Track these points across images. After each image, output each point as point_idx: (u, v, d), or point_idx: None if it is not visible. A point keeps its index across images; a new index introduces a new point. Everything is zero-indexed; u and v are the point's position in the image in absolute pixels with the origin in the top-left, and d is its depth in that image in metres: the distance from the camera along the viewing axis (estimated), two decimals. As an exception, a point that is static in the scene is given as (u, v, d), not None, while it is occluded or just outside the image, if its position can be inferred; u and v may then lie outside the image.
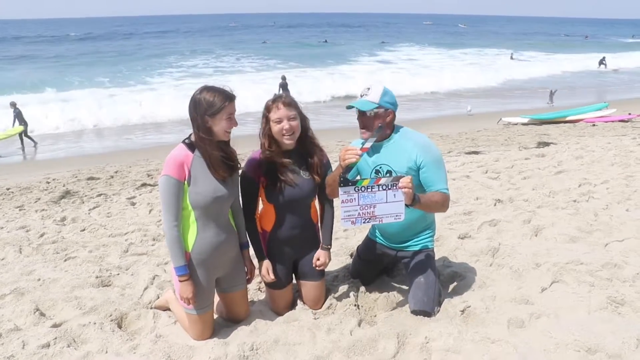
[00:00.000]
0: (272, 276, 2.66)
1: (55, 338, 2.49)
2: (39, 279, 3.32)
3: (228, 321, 2.71)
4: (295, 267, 2.80)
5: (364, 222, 2.41)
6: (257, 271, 2.77)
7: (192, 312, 2.44)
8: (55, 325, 2.68)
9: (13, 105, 13.10)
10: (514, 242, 3.62)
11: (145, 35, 63.32)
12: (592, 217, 4.09)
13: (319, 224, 2.77)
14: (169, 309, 2.81)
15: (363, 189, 2.36)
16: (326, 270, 2.86)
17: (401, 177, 2.33)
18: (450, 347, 2.31)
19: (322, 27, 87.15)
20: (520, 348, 2.27)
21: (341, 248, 3.63)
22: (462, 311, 2.60)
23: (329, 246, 2.75)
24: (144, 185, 7.12)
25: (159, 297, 2.96)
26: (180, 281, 2.36)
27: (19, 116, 12.95)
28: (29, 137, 12.94)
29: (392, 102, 2.52)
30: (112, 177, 8.06)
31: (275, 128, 2.49)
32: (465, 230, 3.92)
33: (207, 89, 2.29)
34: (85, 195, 6.64)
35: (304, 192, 2.60)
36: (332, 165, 2.74)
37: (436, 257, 3.03)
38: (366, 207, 2.37)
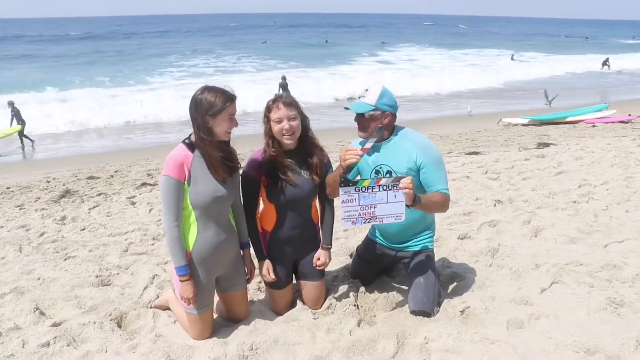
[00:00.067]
0: (272, 276, 2.66)
1: (55, 337, 2.50)
2: (39, 278, 3.33)
3: (228, 321, 2.71)
4: (296, 267, 2.80)
5: (364, 223, 2.42)
6: (256, 271, 2.77)
7: (192, 311, 2.44)
8: (55, 325, 2.68)
9: (11, 104, 13.11)
10: (513, 242, 3.62)
11: (146, 35, 63.32)
12: (592, 218, 4.09)
13: (320, 224, 2.77)
14: (168, 309, 2.81)
15: (364, 189, 2.36)
16: (326, 270, 2.86)
17: (402, 177, 2.34)
18: (450, 347, 2.31)
19: (323, 27, 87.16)
20: (519, 349, 2.28)
21: (341, 248, 3.64)
22: (462, 312, 2.60)
23: (330, 246, 2.75)
24: (144, 184, 7.12)
25: (158, 297, 2.96)
26: (181, 281, 2.36)
27: (17, 115, 12.95)
28: (26, 136, 12.94)
29: (390, 104, 2.51)
30: (112, 176, 8.06)
31: (275, 128, 2.50)
32: (465, 230, 3.93)
33: (208, 89, 2.29)
34: (85, 195, 6.64)
35: (305, 192, 2.60)
36: (332, 164, 2.74)
37: (436, 258, 3.03)
38: (367, 208, 2.38)
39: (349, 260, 3.36)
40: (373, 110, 2.48)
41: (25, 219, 5.35)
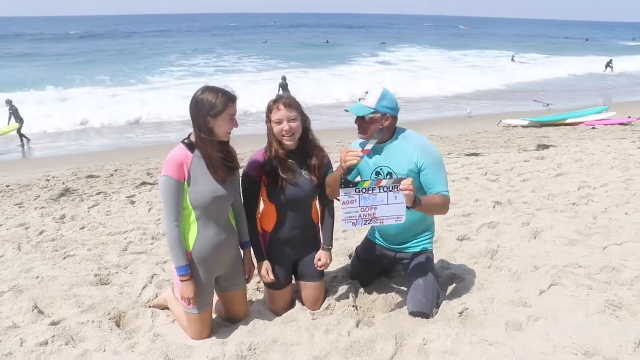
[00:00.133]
0: (271, 277, 2.66)
1: (54, 336, 2.50)
2: (38, 277, 3.33)
3: (226, 321, 2.71)
4: (295, 268, 2.80)
5: (364, 224, 2.42)
6: (255, 271, 2.77)
7: (191, 311, 2.44)
8: (53, 323, 2.68)
9: (9, 102, 13.11)
10: (512, 244, 3.62)
11: (146, 34, 63.29)
12: (591, 220, 4.10)
13: (320, 225, 2.77)
14: (167, 308, 2.81)
15: (364, 190, 2.36)
16: (325, 270, 2.86)
17: (402, 179, 2.34)
18: (448, 348, 2.31)
19: (323, 27, 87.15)
20: (517, 350, 2.28)
21: (340, 249, 3.64)
22: (460, 313, 2.60)
23: (330, 247, 2.76)
24: (143, 183, 7.12)
25: (157, 296, 2.96)
26: (181, 281, 2.36)
27: (15, 113, 12.96)
28: (23, 135, 12.93)
29: (390, 106, 2.50)
30: (111, 175, 8.06)
31: (275, 129, 2.50)
32: (464, 232, 3.93)
33: (208, 89, 2.29)
34: (85, 193, 6.64)
35: (305, 192, 2.60)
36: (333, 165, 2.74)
37: (435, 259, 3.03)
38: (367, 209, 2.38)
39: (348, 261, 3.36)
40: (373, 112, 2.47)
41: (25, 217, 5.34)
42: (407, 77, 24.01)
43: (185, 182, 2.30)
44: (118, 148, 11.94)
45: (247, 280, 2.72)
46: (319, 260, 2.71)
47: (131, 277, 3.35)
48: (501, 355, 2.27)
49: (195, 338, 2.50)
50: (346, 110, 2.58)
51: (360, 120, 2.51)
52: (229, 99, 2.28)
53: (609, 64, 30.17)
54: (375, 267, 3.04)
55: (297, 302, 2.84)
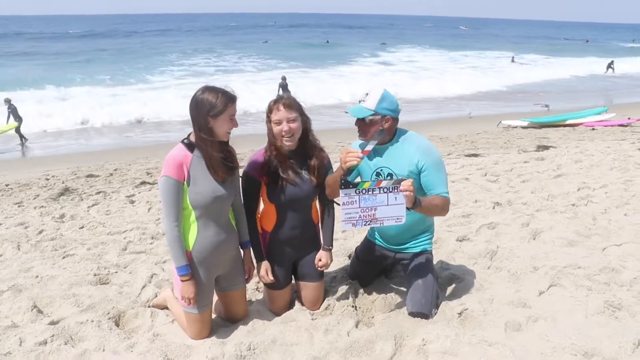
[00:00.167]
0: (270, 277, 2.66)
1: (53, 335, 2.49)
2: (37, 276, 3.32)
3: (226, 321, 2.71)
4: (295, 268, 2.80)
5: (364, 225, 2.42)
6: (255, 271, 2.77)
7: (191, 310, 2.44)
8: (52, 323, 2.68)
9: (7, 101, 13.10)
10: (512, 245, 3.63)
11: (147, 34, 63.27)
12: (591, 221, 4.10)
13: (320, 225, 2.77)
14: (166, 308, 2.81)
15: (364, 191, 2.36)
16: (325, 271, 2.86)
17: (402, 180, 2.34)
18: (447, 349, 2.31)
19: (324, 27, 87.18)
20: (517, 351, 2.28)
21: (340, 249, 3.64)
22: (460, 314, 2.60)
23: (331, 247, 2.76)
24: (143, 183, 7.11)
25: (157, 296, 2.96)
26: (182, 281, 2.36)
27: (14, 112, 12.95)
28: (20, 135, 12.93)
29: (390, 108, 2.50)
30: (111, 174, 8.05)
31: (275, 129, 2.50)
32: (464, 232, 3.93)
33: (208, 89, 2.29)
34: (84, 193, 6.63)
35: (305, 192, 2.60)
36: (333, 165, 2.74)
37: (434, 260, 3.03)
38: (367, 210, 2.38)
39: (348, 261, 3.36)
40: (372, 114, 2.47)
41: (24, 216, 5.34)
42: (407, 78, 24.01)
43: (185, 182, 2.30)
44: (118, 147, 11.93)
45: (247, 280, 2.72)
46: (320, 260, 2.71)
47: (130, 276, 3.35)
48: (500, 355, 2.27)
49: (194, 338, 2.50)
50: (347, 112, 2.58)
51: (361, 122, 2.51)
52: (229, 99, 2.28)
53: (610, 65, 30.11)
54: (375, 268, 3.04)
55: (296, 302, 2.84)
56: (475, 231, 3.97)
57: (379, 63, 32.72)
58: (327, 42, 49.57)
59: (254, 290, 3.13)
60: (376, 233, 2.91)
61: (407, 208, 2.37)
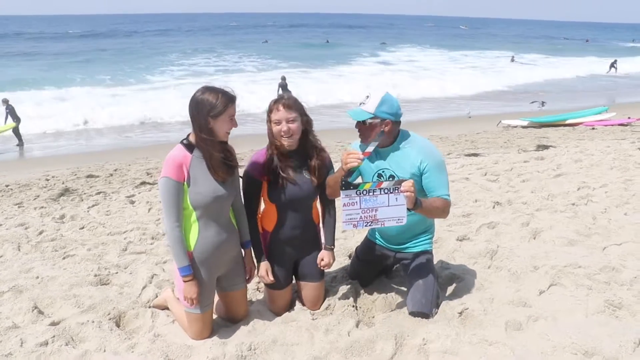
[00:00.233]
0: (271, 278, 2.66)
1: (54, 336, 2.50)
2: (38, 277, 3.32)
3: (227, 321, 2.71)
4: (295, 268, 2.80)
5: (365, 226, 2.42)
6: (256, 271, 2.77)
7: (193, 310, 2.44)
8: (53, 324, 2.68)
9: (5, 102, 13.09)
10: (512, 244, 3.63)
11: (147, 33, 63.28)
12: (591, 220, 4.10)
13: (321, 225, 2.78)
14: (167, 308, 2.82)
15: (365, 192, 2.37)
16: (325, 270, 2.87)
17: (403, 180, 2.34)
18: (448, 349, 2.31)
19: (324, 27, 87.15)
20: (517, 350, 2.28)
21: (340, 249, 3.64)
22: (460, 313, 2.61)
23: (332, 246, 2.76)
24: (143, 183, 7.11)
25: (157, 296, 2.96)
26: (184, 281, 2.36)
27: (11, 112, 12.95)
28: (18, 135, 12.94)
29: (390, 112, 2.48)
30: (111, 175, 8.05)
31: (274, 129, 2.51)
32: (464, 232, 3.93)
33: (208, 89, 2.29)
34: (85, 193, 6.63)
35: (305, 192, 2.61)
36: (334, 165, 2.74)
37: (435, 259, 3.03)
38: (368, 211, 2.38)
39: (348, 261, 3.37)
40: (372, 118, 2.47)
41: (24, 217, 5.34)
42: (407, 78, 24.01)
43: (185, 183, 2.30)
44: (118, 148, 11.93)
45: (248, 280, 2.72)
46: (322, 260, 2.72)
47: (131, 277, 3.35)
48: (501, 355, 2.27)
49: (195, 338, 2.50)
50: (347, 114, 2.58)
51: (361, 125, 2.51)
52: (229, 99, 2.28)
53: (613, 65, 29.92)
54: (375, 268, 3.04)
55: (297, 302, 2.84)
56: (476, 231, 3.97)
57: (378, 63, 32.70)
58: (327, 41, 49.56)
59: (255, 290, 3.13)
60: (376, 233, 2.91)
61: (408, 209, 2.37)
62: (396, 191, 2.35)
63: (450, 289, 3.00)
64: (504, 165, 6.77)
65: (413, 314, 2.59)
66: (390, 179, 2.55)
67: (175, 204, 2.29)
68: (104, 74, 24.54)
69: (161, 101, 16.92)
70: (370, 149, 2.47)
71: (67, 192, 6.74)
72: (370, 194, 2.36)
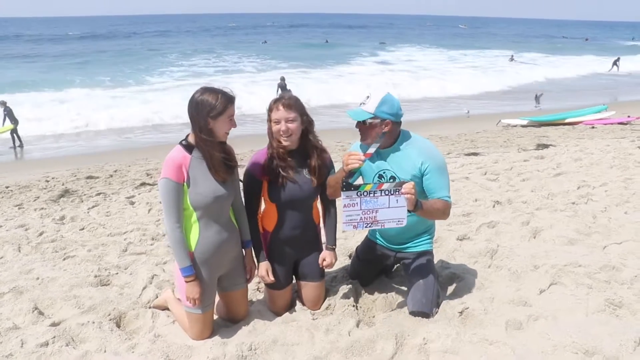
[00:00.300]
0: (271, 278, 2.66)
1: (54, 337, 2.50)
2: (38, 278, 3.33)
3: (227, 321, 2.71)
4: (296, 268, 2.81)
5: (365, 227, 2.43)
6: (256, 271, 2.77)
7: (194, 311, 2.44)
8: (53, 324, 2.68)
9: (3, 104, 13.10)
10: (512, 244, 3.63)
11: (146, 35, 63.27)
12: (591, 219, 4.10)
13: (322, 225, 2.78)
14: (167, 309, 2.82)
15: (365, 193, 2.37)
16: (325, 270, 2.87)
17: (404, 182, 2.34)
18: (448, 348, 2.31)
19: (324, 27, 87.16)
20: (518, 350, 2.28)
21: (340, 249, 3.63)
22: (461, 312, 2.61)
23: (334, 246, 2.76)
24: (143, 184, 7.12)
25: (157, 297, 2.96)
26: (186, 282, 2.36)
27: (9, 114, 12.96)
28: (17, 136, 12.94)
29: (390, 112, 2.48)
30: (111, 176, 8.06)
31: (273, 128, 2.52)
32: (464, 231, 3.93)
33: (208, 90, 2.29)
34: (84, 194, 6.64)
35: (305, 192, 2.61)
36: (334, 166, 2.74)
37: (435, 259, 3.03)
38: (368, 212, 2.38)
39: (348, 261, 3.36)
40: (372, 118, 2.47)
41: (24, 218, 5.34)
42: (406, 77, 24.01)
43: (185, 184, 2.30)
44: (117, 149, 11.94)
45: (248, 280, 2.72)
46: (324, 260, 2.72)
47: (131, 278, 3.35)
48: (501, 354, 2.27)
49: (196, 338, 2.50)
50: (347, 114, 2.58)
51: (361, 125, 2.51)
52: (228, 99, 2.29)
53: (615, 63, 29.77)
54: (376, 267, 3.04)
55: (297, 302, 2.84)
56: (476, 230, 3.97)
57: (378, 62, 32.69)
58: (327, 41, 49.56)
59: (255, 290, 3.13)
60: (377, 233, 2.91)
61: (408, 211, 2.37)
62: (397, 193, 2.35)
63: (450, 289, 3.00)
64: (504, 165, 6.77)
65: (413, 313, 2.59)
66: (391, 180, 2.55)
67: (176, 204, 2.29)
68: (104, 76, 24.54)
69: (161, 102, 16.93)
70: (371, 150, 2.47)
71: (67, 194, 6.74)
72: (371, 195, 2.37)
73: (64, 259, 3.79)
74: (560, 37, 71.33)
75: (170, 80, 24.03)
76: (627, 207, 4.42)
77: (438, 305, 2.69)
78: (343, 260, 3.44)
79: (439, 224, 3.61)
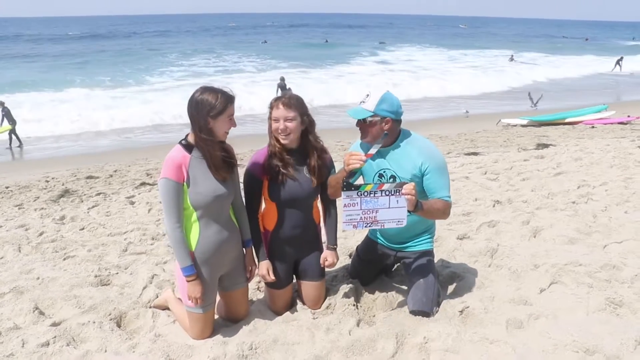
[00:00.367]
0: (272, 277, 2.66)
1: (55, 337, 2.50)
2: (38, 278, 3.33)
3: (227, 321, 2.71)
4: (296, 267, 2.81)
5: (365, 227, 2.43)
6: (256, 270, 2.77)
7: (195, 310, 2.44)
8: (54, 324, 2.68)
9: (1, 104, 13.11)
10: (512, 243, 3.63)
11: (146, 34, 63.28)
12: (591, 218, 4.10)
13: (323, 225, 2.78)
14: (168, 308, 2.82)
15: (366, 193, 2.37)
16: (326, 270, 2.87)
17: (404, 183, 2.35)
18: (449, 347, 2.31)
19: (323, 27, 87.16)
20: (518, 349, 2.28)
21: (341, 248, 3.61)
22: (461, 312, 2.61)
23: (335, 246, 2.77)
24: (143, 184, 7.12)
25: (158, 296, 2.96)
26: (188, 281, 2.36)
27: (7, 115, 12.97)
28: (16, 136, 12.95)
29: (390, 110, 2.48)
30: (111, 176, 8.06)
31: (273, 126, 2.53)
32: (464, 231, 3.93)
33: (207, 90, 2.29)
34: (85, 194, 6.64)
35: (305, 191, 2.61)
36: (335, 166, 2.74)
37: (435, 258, 3.03)
38: (368, 212, 2.38)
39: (349, 260, 3.37)
40: (372, 116, 2.47)
41: (24, 218, 5.34)
42: (406, 77, 24.01)
43: (185, 183, 2.30)
44: (117, 149, 11.94)
45: (248, 279, 2.72)
46: (326, 260, 2.72)
47: (131, 277, 3.35)
48: (502, 353, 2.27)
49: (196, 338, 2.51)
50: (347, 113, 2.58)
51: (361, 123, 2.51)
52: (228, 99, 2.29)
53: (618, 62, 29.65)
54: (376, 266, 3.04)
55: (297, 301, 2.84)
56: (476, 229, 3.97)
57: (378, 62, 32.68)
58: (326, 41, 49.56)
59: (255, 289, 3.13)
60: (377, 232, 2.91)
61: (409, 211, 2.38)
62: (397, 193, 2.35)
63: (450, 288, 3.00)
64: (504, 164, 6.77)
65: (414, 312, 2.59)
66: (392, 179, 2.56)
67: (176, 204, 2.29)
68: (104, 76, 24.54)
69: (161, 102, 16.94)
70: (373, 150, 2.47)
71: (67, 194, 6.74)
72: (371, 195, 2.37)
73: (64, 259, 3.79)
74: (560, 37, 71.31)
75: (170, 80, 24.03)
76: (627, 207, 4.42)
77: (438, 305, 2.69)
78: (343, 260, 3.44)
79: (439, 223, 3.61)
